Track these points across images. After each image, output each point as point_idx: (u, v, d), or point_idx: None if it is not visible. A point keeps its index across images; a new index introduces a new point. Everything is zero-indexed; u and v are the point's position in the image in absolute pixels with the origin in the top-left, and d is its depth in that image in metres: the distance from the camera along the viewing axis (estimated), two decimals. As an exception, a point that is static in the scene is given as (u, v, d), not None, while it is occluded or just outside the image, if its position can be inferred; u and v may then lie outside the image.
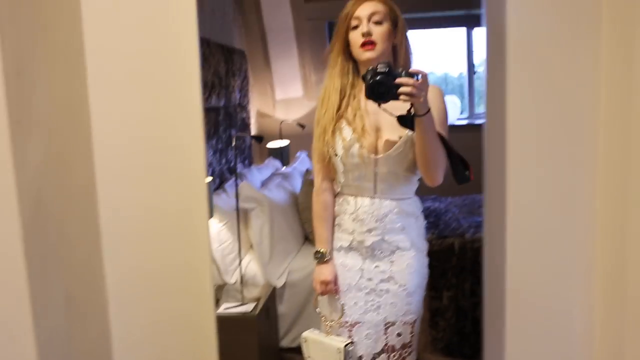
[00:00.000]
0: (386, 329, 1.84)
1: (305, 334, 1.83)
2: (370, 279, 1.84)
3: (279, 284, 2.67)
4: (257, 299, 2.45)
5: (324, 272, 1.81)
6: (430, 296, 2.77)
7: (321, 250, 1.82)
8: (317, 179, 1.87)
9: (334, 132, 1.79)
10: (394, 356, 1.86)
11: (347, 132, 1.77)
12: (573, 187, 1.46)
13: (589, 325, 1.49)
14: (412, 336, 1.87)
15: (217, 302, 2.41)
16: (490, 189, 1.63)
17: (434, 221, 3.20)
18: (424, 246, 1.91)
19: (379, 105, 1.67)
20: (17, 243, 1.10)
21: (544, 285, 1.54)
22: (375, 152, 1.78)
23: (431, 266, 1.95)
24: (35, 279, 1.14)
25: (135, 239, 1.50)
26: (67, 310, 1.29)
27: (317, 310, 1.87)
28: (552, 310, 1.55)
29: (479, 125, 4.20)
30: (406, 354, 1.87)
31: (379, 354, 1.85)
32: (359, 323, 1.81)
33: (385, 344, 1.85)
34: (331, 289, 1.81)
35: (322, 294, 1.83)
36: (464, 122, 4.50)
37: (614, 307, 1.37)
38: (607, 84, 1.36)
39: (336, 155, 1.79)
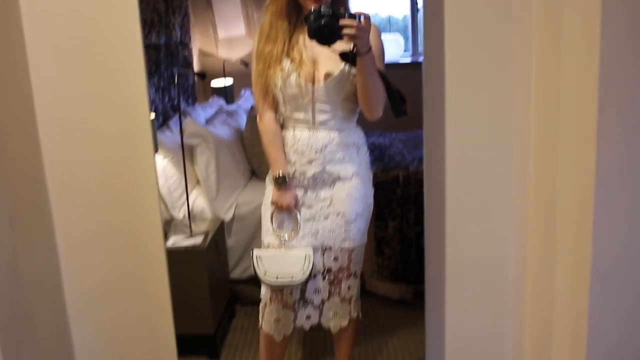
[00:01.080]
0: (323, 252, 1.90)
1: (257, 251, 1.85)
2: (310, 207, 1.88)
3: (227, 217, 2.69)
4: (206, 233, 2.47)
5: (286, 197, 1.84)
6: (375, 226, 2.85)
7: (282, 174, 1.83)
8: (260, 109, 1.88)
9: (275, 65, 1.80)
10: (329, 277, 1.92)
11: (285, 63, 1.79)
12: (508, 121, 1.51)
13: (523, 250, 1.57)
14: (349, 262, 1.92)
15: (166, 236, 2.42)
16: (429, 123, 1.67)
17: (379, 155, 3.25)
18: (367, 176, 1.95)
19: (325, 46, 1.69)
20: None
21: (481, 214, 1.60)
22: (313, 82, 1.80)
23: (376, 197, 2.00)
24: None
25: (81, 172, 1.49)
26: (12, 229, 1.28)
27: (270, 223, 1.88)
28: (489, 236, 1.62)
29: (422, 63, 4.26)
30: (342, 277, 1.93)
31: (315, 274, 1.90)
32: (295, 247, 1.86)
33: (322, 265, 1.90)
34: (292, 211, 1.85)
35: (280, 212, 1.86)
36: (408, 60, 4.53)
37: (546, 223, 1.44)
38: (538, 20, 1.40)
39: (276, 86, 1.80)
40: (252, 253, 1.86)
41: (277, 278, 1.82)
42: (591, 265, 1.24)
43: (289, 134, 1.85)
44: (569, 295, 1.37)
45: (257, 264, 1.84)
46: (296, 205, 1.86)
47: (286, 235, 1.87)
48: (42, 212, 1.43)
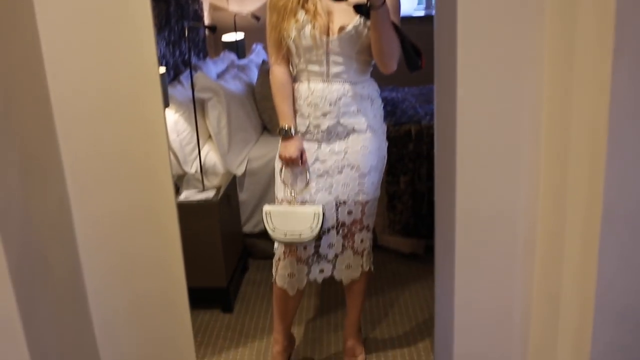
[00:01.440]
0: (337, 207, 1.90)
1: (267, 207, 1.87)
2: (324, 161, 1.87)
3: (238, 172, 2.70)
4: (218, 187, 2.47)
5: (289, 149, 1.83)
6: (387, 181, 2.84)
7: (285, 127, 1.83)
8: (273, 61, 1.87)
9: (290, 17, 1.78)
10: (343, 231, 1.93)
11: (300, 14, 1.77)
12: (520, 73, 1.48)
13: (534, 203, 1.55)
14: (363, 215, 1.93)
15: (178, 191, 2.43)
16: (441, 76, 1.65)
17: (391, 109, 3.22)
18: (381, 129, 1.94)
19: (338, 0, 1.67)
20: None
21: (491, 168, 1.59)
22: (327, 34, 1.78)
23: (388, 152, 2.00)
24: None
25: (89, 121, 1.49)
26: (22, 176, 1.29)
27: (282, 180, 1.89)
28: (500, 189, 1.61)
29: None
30: (356, 230, 1.94)
31: (329, 229, 1.91)
32: (309, 202, 1.86)
33: (336, 220, 1.91)
34: (297, 165, 1.84)
35: (288, 167, 1.86)
36: (422, 13, 4.46)
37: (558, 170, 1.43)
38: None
39: (290, 37, 1.78)
40: (263, 208, 1.87)
41: (285, 235, 1.83)
42: (601, 217, 1.23)
43: (303, 86, 1.84)
44: (579, 248, 1.36)
45: (267, 220, 1.85)
46: (302, 158, 1.85)
47: (295, 191, 1.87)
48: (52, 157, 1.43)
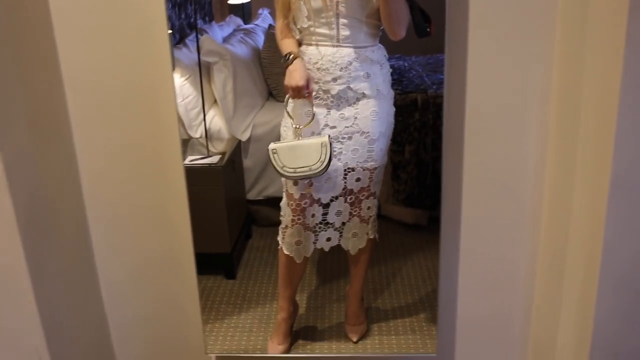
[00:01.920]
0: (345, 174, 1.89)
1: (273, 145, 1.83)
2: (334, 127, 1.86)
3: (243, 137, 2.67)
4: (223, 153, 2.46)
5: (295, 77, 1.80)
6: (392, 150, 2.81)
7: (287, 53, 1.80)
8: (280, 25, 1.85)
9: None
10: (350, 199, 1.93)
11: None
12: (532, 45, 1.46)
13: (541, 172, 1.54)
14: (370, 181, 1.93)
15: (183, 155, 2.41)
16: (452, 44, 1.62)
17: (397, 78, 3.18)
18: (390, 94, 1.93)
19: None
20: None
21: (500, 136, 1.57)
22: None
23: (394, 120, 1.98)
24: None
25: (99, 80, 1.47)
26: (30, 129, 1.28)
27: (287, 109, 1.86)
28: (507, 156, 1.59)
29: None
30: (363, 197, 1.94)
31: (337, 197, 1.91)
32: (314, 136, 1.84)
33: (344, 188, 1.90)
34: (303, 94, 1.81)
35: (294, 97, 1.83)
36: (430, -20, 4.38)
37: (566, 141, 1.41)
38: None
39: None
40: (269, 147, 1.82)
41: (295, 170, 1.80)
42: (609, 182, 1.21)
43: (311, 49, 1.82)
44: (586, 214, 1.35)
45: (274, 158, 1.82)
46: (309, 88, 1.82)
47: (302, 122, 1.83)
48: (60, 112, 1.42)
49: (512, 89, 1.57)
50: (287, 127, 1.90)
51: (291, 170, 1.81)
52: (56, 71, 1.40)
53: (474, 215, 1.74)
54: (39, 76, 1.32)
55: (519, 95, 1.58)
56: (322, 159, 1.78)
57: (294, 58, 1.80)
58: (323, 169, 1.78)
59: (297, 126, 1.85)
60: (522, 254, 1.72)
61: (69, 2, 1.42)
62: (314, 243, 1.98)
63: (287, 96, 1.85)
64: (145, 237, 1.60)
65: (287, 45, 1.86)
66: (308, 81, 1.81)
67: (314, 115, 1.85)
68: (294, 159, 1.82)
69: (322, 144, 1.79)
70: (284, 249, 1.98)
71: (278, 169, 1.83)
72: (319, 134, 1.84)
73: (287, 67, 1.82)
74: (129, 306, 1.68)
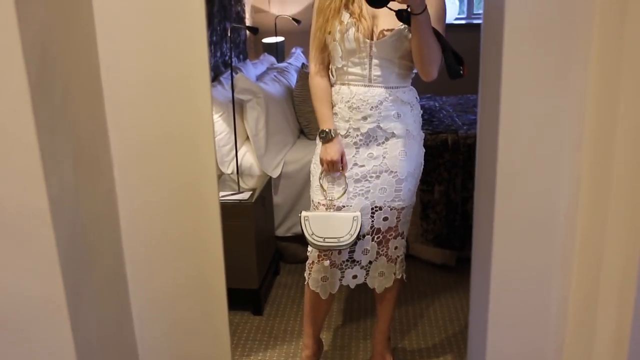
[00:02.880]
0: (373, 212, 1.90)
1: (305, 213, 1.87)
2: (362, 166, 1.88)
3: (274, 174, 2.71)
4: (253, 189, 2.49)
5: (330, 152, 1.84)
6: (422, 190, 2.83)
7: (326, 130, 1.85)
8: (314, 64, 1.89)
9: (334, 19, 1.79)
10: (377, 237, 1.93)
11: (345, 16, 1.78)
12: (567, 86, 1.47)
13: (574, 213, 1.54)
14: (398, 221, 1.93)
15: (214, 191, 2.45)
16: (485, 86, 1.64)
17: (428, 118, 3.21)
18: (419, 135, 1.94)
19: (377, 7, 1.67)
20: (25, 98, 1.12)
21: (533, 179, 1.57)
22: (371, 37, 1.79)
23: (424, 160, 1.99)
24: (43, 134, 1.16)
25: (141, 118, 1.52)
26: (75, 167, 1.33)
27: (319, 182, 1.89)
28: (539, 199, 1.59)
29: (478, 25, 4.17)
30: (390, 237, 1.94)
31: (364, 235, 1.92)
32: (345, 207, 1.87)
33: (371, 226, 1.91)
34: (338, 168, 1.85)
35: (328, 171, 1.87)
36: (463, 22, 4.44)
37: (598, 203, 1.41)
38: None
39: (334, 40, 1.80)
40: (301, 214, 1.88)
41: (324, 240, 1.84)
42: None
43: (344, 89, 1.86)
44: (619, 256, 1.34)
45: (305, 225, 1.86)
46: (343, 162, 1.86)
47: (335, 194, 1.88)
48: (103, 149, 1.46)
49: (545, 133, 1.57)
50: (316, 164, 1.93)
51: (320, 239, 1.85)
52: (100, 111, 1.45)
53: (505, 256, 1.73)
54: (85, 115, 1.37)
55: (552, 140, 1.58)
56: (352, 232, 1.83)
57: (332, 138, 1.85)
58: (351, 242, 1.83)
59: (331, 197, 1.89)
60: (553, 296, 1.70)
61: (116, 45, 1.48)
62: (340, 280, 1.99)
63: (320, 169, 1.90)
64: (179, 268, 1.63)
65: (322, 115, 1.89)
66: (342, 155, 1.87)
67: (346, 186, 1.88)
68: (325, 229, 1.86)
69: (353, 218, 1.83)
70: (309, 284, 1.99)
71: (307, 236, 1.87)
72: (348, 173, 1.87)
73: (324, 143, 1.87)
74: (159, 335, 1.70)
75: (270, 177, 2.70)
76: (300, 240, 1.92)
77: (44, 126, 1.16)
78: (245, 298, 2.45)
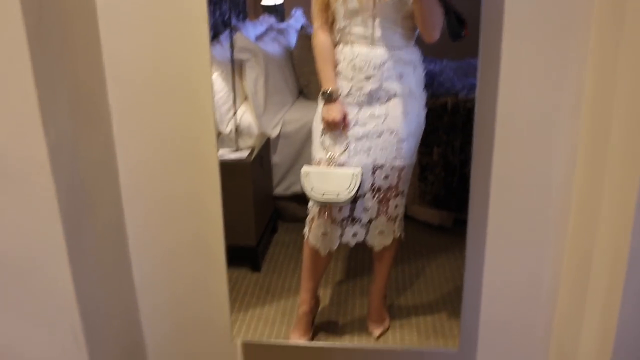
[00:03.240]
0: (374, 171, 1.91)
1: (306, 168, 1.89)
2: (364, 125, 1.89)
3: (273, 134, 2.71)
4: (252, 148, 2.50)
5: (332, 112, 1.85)
6: (420, 152, 2.83)
7: (328, 90, 1.85)
8: (317, 21, 1.89)
9: None
10: (378, 196, 1.95)
11: None
12: (566, 49, 1.46)
13: (569, 180, 1.54)
14: (399, 180, 1.95)
15: (213, 149, 2.46)
16: (485, 49, 1.63)
17: (428, 81, 3.18)
18: (421, 95, 1.95)
19: None
20: (23, 46, 1.12)
21: (529, 140, 1.58)
22: None
23: (424, 122, 2.00)
24: (41, 82, 1.16)
25: (139, 74, 1.52)
26: (73, 117, 1.33)
27: (321, 139, 1.90)
28: (536, 160, 1.60)
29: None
30: (391, 195, 1.96)
31: (365, 193, 1.93)
32: (346, 164, 1.88)
33: (372, 184, 1.93)
34: (339, 127, 1.86)
35: (330, 130, 1.88)
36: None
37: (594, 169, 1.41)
38: None
39: (336, 0, 1.79)
40: (302, 170, 1.89)
41: (323, 195, 1.85)
42: (638, 189, 1.22)
43: (347, 49, 1.86)
44: (614, 217, 1.36)
45: (305, 180, 1.87)
46: (345, 121, 1.87)
47: (336, 152, 1.88)
48: (101, 101, 1.47)
49: (544, 96, 1.58)
50: (318, 122, 1.94)
51: (320, 194, 1.88)
52: (98, 61, 1.45)
53: (501, 219, 1.75)
54: (82, 65, 1.37)
55: (550, 102, 1.58)
56: (351, 188, 1.84)
57: (335, 98, 1.85)
58: (349, 198, 1.84)
59: (332, 155, 1.90)
60: (547, 259, 1.72)
61: (115, 7, 1.47)
62: (340, 237, 2.01)
63: (321, 127, 1.91)
64: (178, 224, 1.65)
65: (325, 75, 1.90)
66: (345, 116, 1.88)
67: (347, 144, 1.89)
68: (325, 184, 1.88)
69: (353, 174, 1.86)
70: (309, 240, 2.01)
71: (307, 190, 1.90)
72: (350, 131, 1.87)
73: (326, 103, 1.88)
74: (159, 290, 1.73)
75: (269, 137, 2.70)
76: (299, 199, 1.94)
77: (41, 74, 1.17)
78: (243, 255, 2.47)
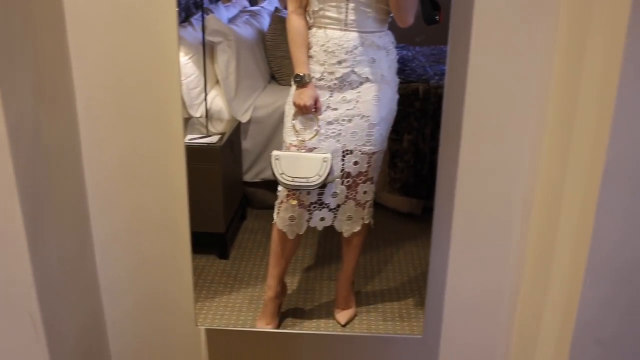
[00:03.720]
0: (343, 156, 1.91)
1: (276, 152, 1.88)
2: (335, 109, 1.88)
3: (244, 119, 2.69)
4: (222, 133, 2.48)
5: (303, 97, 1.85)
6: (391, 138, 2.83)
7: (301, 74, 1.84)
8: (291, 7, 1.87)
9: None
10: (347, 181, 1.95)
11: None
12: (535, 35, 1.47)
13: (534, 171, 1.55)
14: (369, 166, 1.95)
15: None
16: (454, 35, 1.63)
17: (400, 67, 3.17)
18: (394, 80, 1.95)
19: None
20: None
21: (497, 126, 1.59)
22: None
23: (396, 108, 1.99)
24: (1, 59, 1.13)
25: (104, 52, 1.49)
26: (35, 96, 1.30)
27: (292, 122, 1.90)
28: (503, 145, 1.61)
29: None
30: (360, 181, 1.96)
31: (334, 178, 1.93)
32: (316, 148, 1.87)
33: (342, 170, 1.93)
34: (310, 111, 1.85)
35: (302, 114, 1.87)
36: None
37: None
38: None
39: None
40: (272, 153, 1.88)
41: (293, 180, 1.85)
42: (603, 170, 1.23)
43: (320, 32, 1.85)
44: (576, 209, 1.37)
45: (275, 165, 1.87)
46: (316, 106, 1.86)
47: (306, 136, 1.87)
48: (65, 87, 1.44)
49: (512, 83, 1.59)
50: (290, 106, 1.94)
51: (289, 178, 1.87)
52: (63, 40, 1.42)
53: (467, 205, 1.77)
54: (45, 44, 1.34)
55: (518, 89, 1.59)
56: (321, 173, 1.84)
57: (307, 82, 1.85)
58: (320, 182, 1.84)
59: (302, 139, 1.89)
60: (511, 245, 1.75)
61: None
62: (308, 221, 2.01)
63: (293, 112, 1.91)
64: (142, 207, 1.63)
65: (298, 59, 1.90)
66: (316, 100, 1.87)
67: (318, 129, 1.89)
68: (295, 169, 1.88)
69: (323, 159, 1.85)
70: (277, 223, 2.01)
71: (277, 174, 1.89)
72: (321, 116, 1.86)
73: (298, 87, 1.87)
74: (122, 272, 1.71)
75: (240, 122, 2.68)
76: (268, 186, 1.94)
77: (1, 52, 1.14)
78: (211, 241, 2.45)
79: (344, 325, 2.14)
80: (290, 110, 1.97)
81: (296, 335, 2.10)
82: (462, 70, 1.57)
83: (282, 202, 2.00)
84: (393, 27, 1.92)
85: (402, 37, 2.03)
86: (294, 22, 1.91)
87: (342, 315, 2.15)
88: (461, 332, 1.97)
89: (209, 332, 2.14)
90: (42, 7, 1.33)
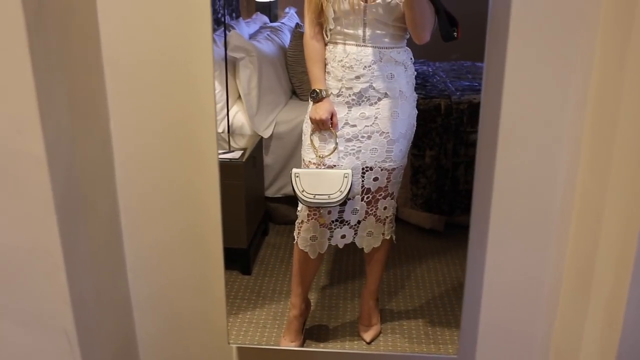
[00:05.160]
0: (363, 172, 1.91)
1: (296, 170, 1.88)
2: (354, 126, 1.88)
3: (265, 134, 2.69)
4: (244, 148, 2.48)
5: (319, 111, 1.84)
6: (412, 154, 2.82)
7: (317, 89, 1.84)
8: (309, 28, 1.88)
9: None
10: (367, 197, 1.95)
11: None
12: (572, 50, 1.45)
13: (573, 184, 1.54)
14: (388, 182, 1.94)
15: (206, 148, 2.44)
16: (491, 51, 1.62)
17: (421, 83, 3.18)
18: (412, 96, 1.94)
19: None
20: (22, 39, 1.09)
21: (533, 144, 1.57)
22: (365, 0, 1.77)
23: (416, 125, 1.99)
24: (40, 77, 1.14)
25: (138, 73, 1.49)
26: (71, 112, 1.30)
27: (310, 139, 1.89)
28: (539, 164, 1.59)
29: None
30: (380, 197, 1.96)
31: (354, 195, 1.92)
32: (336, 166, 1.87)
33: (362, 186, 1.92)
34: (327, 127, 1.85)
35: (318, 129, 1.87)
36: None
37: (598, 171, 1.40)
38: None
39: (328, 1, 1.78)
40: (292, 171, 1.88)
41: (314, 197, 1.84)
42: None
43: (338, 48, 1.85)
44: (617, 222, 1.35)
45: (296, 182, 1.86)
46: (332, 120, 1.86)
47: (325, 153, 1.87)
48: (99, 102, 1.44)
49: (548, 98, 1.57)
50: (308, 123, 1.94)
51: (311, 196, 1.86)
52: (98, 56, 1.42)
53: (503, 220, 1.74)
54: (81, 60, 1.35)
55: (554, 105, 1.58)
56: (342, 189, 1.84)
57: (322, 97, 1.85)
58: (342, 199, 1.83)
59: (321, 156, 1.89)
60: (549, 262, 1.72)
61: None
62: (329, 239, 2.00)
63: (310, 128, 1.91)
64: (176, 224, 1.63)
65: (314, 75, 1.91)
66: (332, 115, 1.87)
67: (336, 145, 1.89)
68: (315, 186, 1.87)
69: (344, 175, 1.85)
70: (299, 244, 2.00)
71: (298, 192, 1.88)
72: (339, 132, 1.86)
73: (314, 102, 1.88)
74: (154, 290, 1.70)
75: (262, 137, 2.69)
76: (290, 201, 1.93)
77: (40, 68, 1.14)
78: (233, 257, 2.44)
79: (369, 343, 2.12)
80: (307, 128, 1.97)
81: (326, 354, 2.08)
82: (497, 85, 1.56)
83: (302, 222, 2.00)
84: (412, 43, 1.92)
85: (422, 52, 2.03)
86: (312, 45, 1.93)
87: (367, 333, 2.14)
88: (497, 354, 1.94)
89: (239, 349, 2.12)
90: (78, 23, 1.34)
